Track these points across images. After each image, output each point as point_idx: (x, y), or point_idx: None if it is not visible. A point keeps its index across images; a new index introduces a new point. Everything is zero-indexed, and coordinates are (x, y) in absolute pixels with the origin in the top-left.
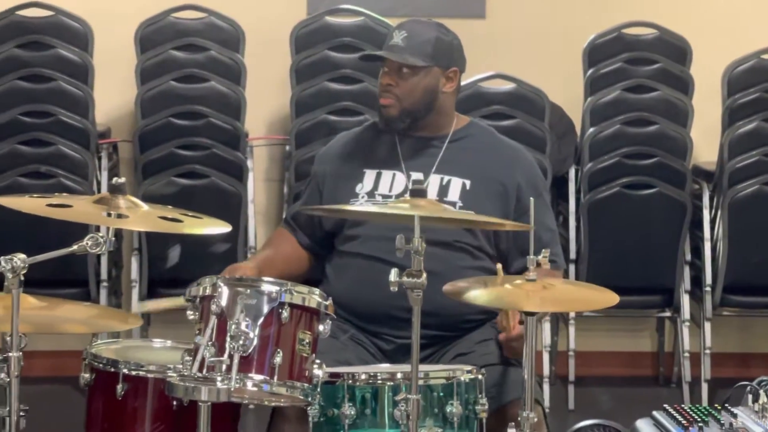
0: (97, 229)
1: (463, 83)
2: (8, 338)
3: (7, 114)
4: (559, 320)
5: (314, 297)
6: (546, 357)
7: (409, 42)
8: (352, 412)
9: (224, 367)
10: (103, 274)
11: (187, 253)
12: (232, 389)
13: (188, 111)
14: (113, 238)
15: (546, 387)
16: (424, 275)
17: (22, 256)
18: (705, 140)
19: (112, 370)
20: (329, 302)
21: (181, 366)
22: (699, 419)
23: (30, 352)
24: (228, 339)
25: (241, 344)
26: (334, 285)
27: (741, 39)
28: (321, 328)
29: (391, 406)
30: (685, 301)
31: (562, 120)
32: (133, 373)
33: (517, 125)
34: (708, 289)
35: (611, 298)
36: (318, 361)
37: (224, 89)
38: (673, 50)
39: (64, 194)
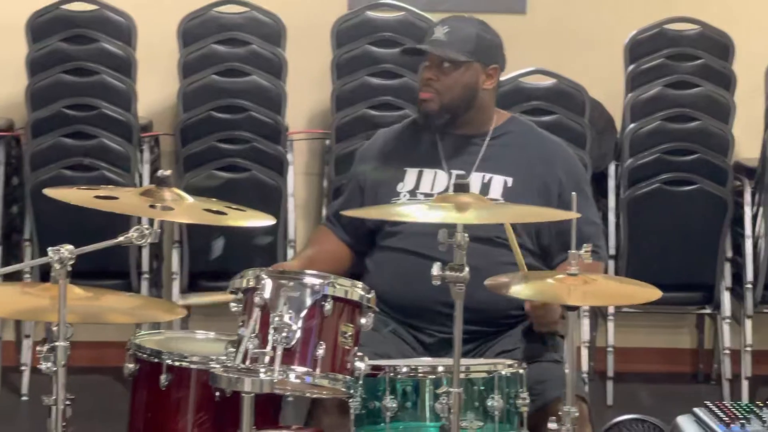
0: (139, 221)
1: (502, 78)
2: (55, 328)
3: (51, 107)
4: (597, 316)
5: (357, 290)
6: (585, 353)
7: (450, 37)
8: (393, 405)
9: (267, 358)
10: (144, 266)
11: (227, 246)
12: (275, 381)
13: (229, 105)
14: (159, 230)
15: None
16: (467, 269)
17: (70, 246)
18: (747, 136)
19: (156, 360)
20: (372, 295)
21: (224, 357)
22: (741, 416)
23: (72, 342)
24: (271, 331)
25: (284, 336)
26: (375, 279)
27: None
28: (363, 321)
29: (432, 400)
30: (726, 298)
31: (602, 116)
32: (177, 363)
33: (557, 121)
34: (749, 286)
35: (653, 293)
36: (360, 353)
37: (265, 83)
38: (716, 46)
39: (110, 186)
